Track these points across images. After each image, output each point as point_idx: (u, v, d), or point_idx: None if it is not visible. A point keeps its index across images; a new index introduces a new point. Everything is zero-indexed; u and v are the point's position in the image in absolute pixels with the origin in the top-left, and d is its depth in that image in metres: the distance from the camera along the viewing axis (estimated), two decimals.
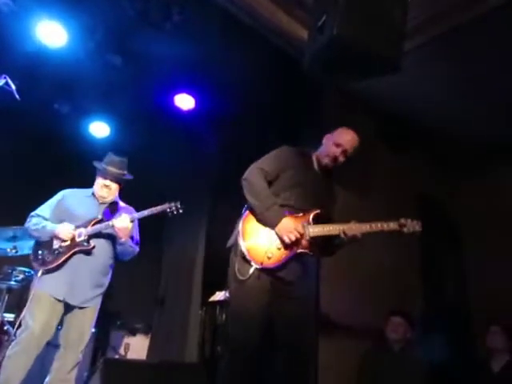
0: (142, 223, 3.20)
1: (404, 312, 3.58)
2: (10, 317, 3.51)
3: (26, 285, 3.50)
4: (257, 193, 2.38)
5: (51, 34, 3.57)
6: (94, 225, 2.77)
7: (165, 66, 3.81)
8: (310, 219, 2.41)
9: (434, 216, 4.50)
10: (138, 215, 2.80)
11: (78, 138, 4.84)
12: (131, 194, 3.13)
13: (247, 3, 3.24)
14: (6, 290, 3.38)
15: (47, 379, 2.63)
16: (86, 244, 2.72)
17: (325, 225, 2.42)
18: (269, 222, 2.34)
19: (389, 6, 2.44)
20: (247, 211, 2.42)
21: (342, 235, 2.39)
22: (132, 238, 2.91)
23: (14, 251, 3.38)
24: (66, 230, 2.72)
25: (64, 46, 3.66)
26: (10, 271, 3.43)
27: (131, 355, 4.35)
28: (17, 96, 3.55)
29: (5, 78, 3.49)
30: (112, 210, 2.92)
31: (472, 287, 4.66)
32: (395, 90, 3.85)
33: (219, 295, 4.03)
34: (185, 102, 4.32)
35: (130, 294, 5.08)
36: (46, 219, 2.82)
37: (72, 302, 2.66)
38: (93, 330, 2.80)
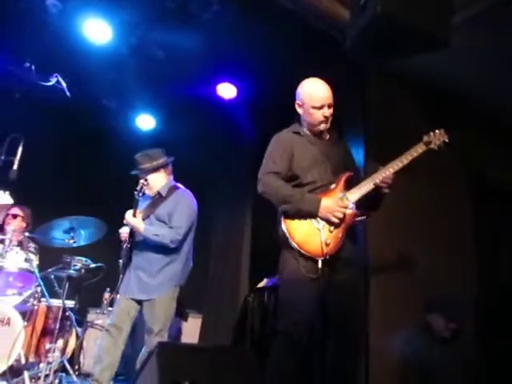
0: None
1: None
2: (70, 303, 3.72)
3: (84, 273, 3.71)
4: (283, 196, 2.33)
5: (97, 31, 3.69)
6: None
7: (206, 56, 3.84)
8: (344, 187, 2.37)
9: (486, 195, 4.30)
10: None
11: (126, 132, 5.03)
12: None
13: None
14: (66, 278, 3.55)
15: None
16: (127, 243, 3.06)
17: (358, 186, 2.37)
18: (309, 213, 2.30)
19: None
20: (284, 218, 2.34)
21: (383, 185, 2.33)
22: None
23: (72, 241, 3.55)
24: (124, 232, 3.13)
25: (109, 42, 3.77)
26: (69, 260, 3.61)
27: (183, 339, 4.49)
28: (68, 93, 3.72)
29: (56, 76, 3.66)
30: (156, 200, 3.13)
31: None
32: (443, 68, 3.66)
33: (267, 281, 4.07)
34: (227, 91, 4.34)
35: None
36: None
37: (136, 297, 2.95)
38: (170, 316, 3.03)
